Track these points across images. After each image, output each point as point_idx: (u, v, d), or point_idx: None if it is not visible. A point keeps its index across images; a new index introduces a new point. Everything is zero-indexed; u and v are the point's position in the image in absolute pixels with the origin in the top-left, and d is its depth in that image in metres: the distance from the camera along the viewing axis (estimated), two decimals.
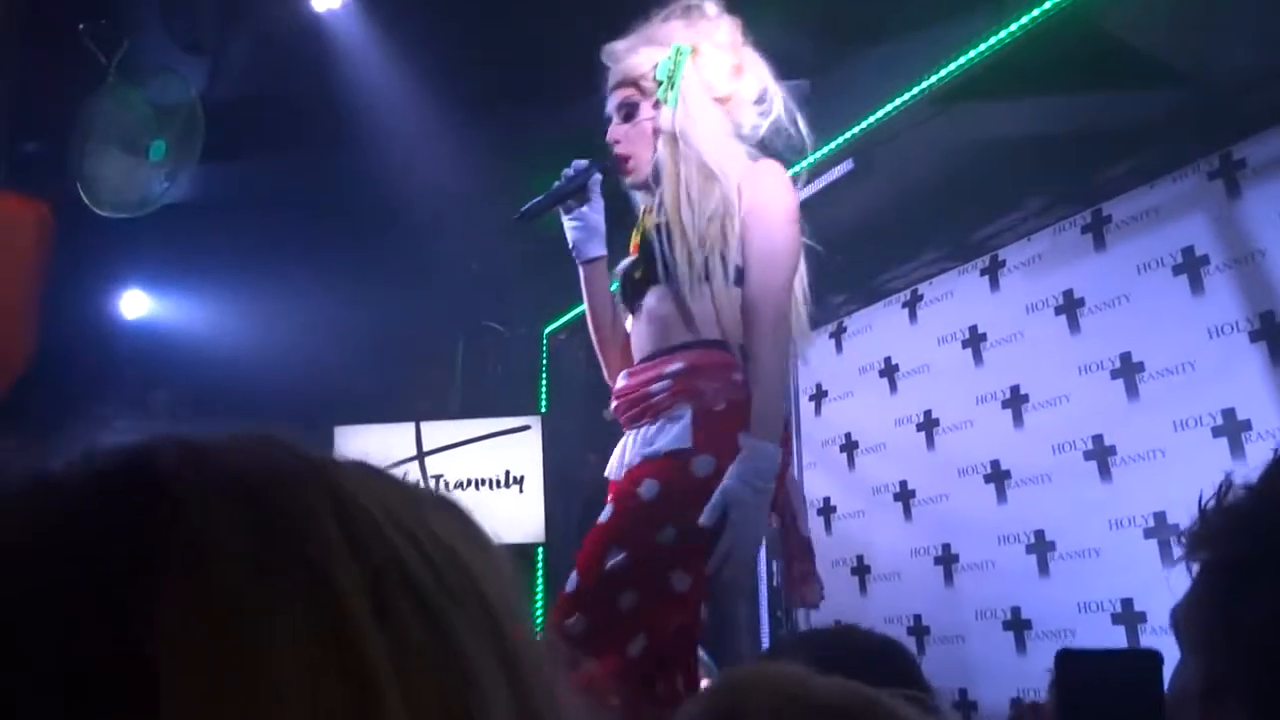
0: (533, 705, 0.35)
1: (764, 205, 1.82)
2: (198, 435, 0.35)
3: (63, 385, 4.05)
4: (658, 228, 1.87)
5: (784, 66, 3.23)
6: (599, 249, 1.98)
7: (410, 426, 4.75)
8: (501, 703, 0.33)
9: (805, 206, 3.44)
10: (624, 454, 1.87)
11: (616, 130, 1.93)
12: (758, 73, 1.96)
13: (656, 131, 1.89)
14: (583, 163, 1.93)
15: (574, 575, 1.72)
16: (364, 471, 0.37)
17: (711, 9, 1.93)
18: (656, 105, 1.90)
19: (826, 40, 3.18)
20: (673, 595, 1.69)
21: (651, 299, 1.88)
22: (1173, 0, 2.47)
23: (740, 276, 1.82)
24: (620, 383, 1.90)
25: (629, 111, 1.92)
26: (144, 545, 0.30)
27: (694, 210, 1.81)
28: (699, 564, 1.70)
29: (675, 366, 1.80)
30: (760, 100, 1.96)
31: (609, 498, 1.85)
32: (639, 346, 1.91)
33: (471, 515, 0.39)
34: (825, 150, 3.24)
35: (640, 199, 2.00)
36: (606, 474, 1.92)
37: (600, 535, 1.73)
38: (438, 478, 4.73)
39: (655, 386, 1.80)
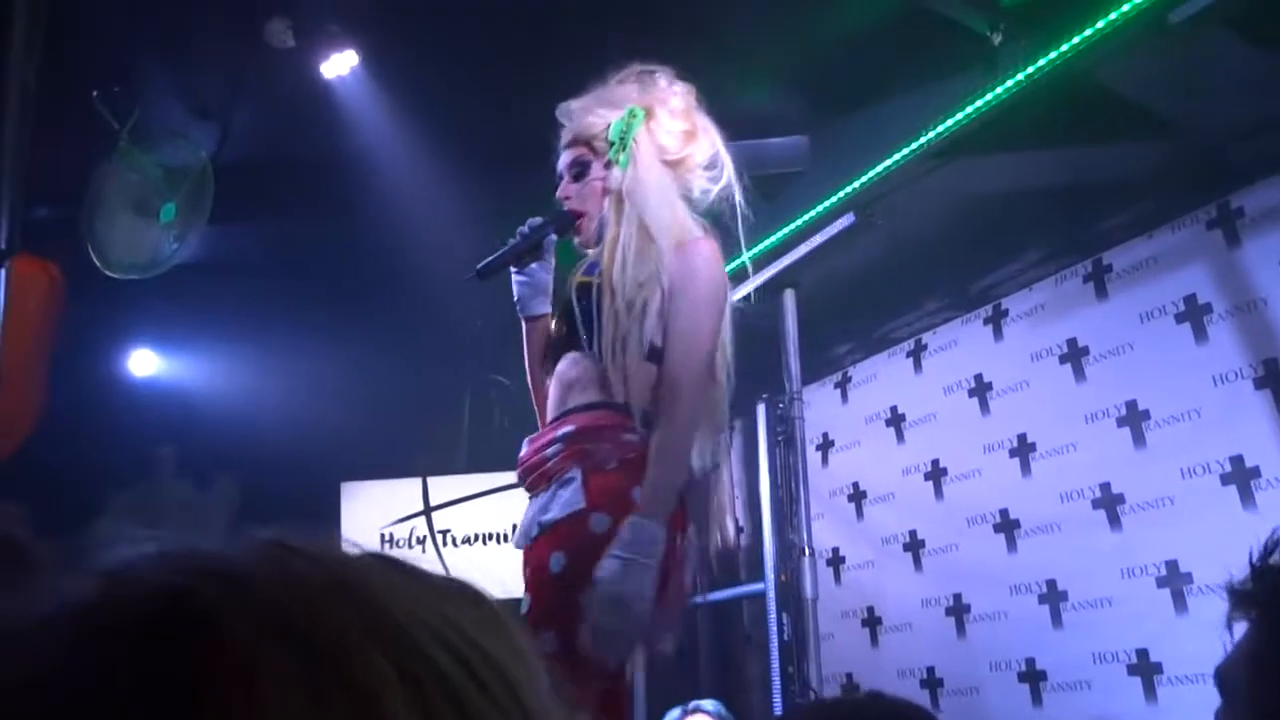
0: None
1: (689, 284, 1.79)
2: (214, 550, 0.34)
3: (73, 442, 4.07)
4: (584, 288, 1.85)
5: (785, 124, 3.30)
6: (543, 307, 1.96)
7: (417, 481, 4.74)
8: None
9: (810, 259, 3.50)
10: (520, 525, 1.84)
11: (567, 188, 1.92)
12: (710, 138, 1.96)
13: (606, 191, 1.88)
14: (537, 220, 1.92)
15: None
16: (388, 572, 0.37)
17: (664, 80, 1.94)
18: (608, 165, 1.89)
19: (825, 98, 3.24)
20: (609, 669, 1.66)
21: (564, 363, 1.86)
22: (1164, 55, 2.52)
23: (654, 353, 1.79)
24: (523, 449, 1.87)
25: (580, 170, 1.91)
26: (192, 681, 0.29)
27: (627, 274, 1.79)
28: None
29: (566, 430, 1.78)
30: (711, 166, 1.97)
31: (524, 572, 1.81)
32: (550, 411, 1.88)
33: (497, 605, 0.38)
34: (827, 204, 3.28)
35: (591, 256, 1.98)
36: (515, 545, 1.88)
37: (529, 627, 1.65)
38: (444, 532, 4.72)
39: (549, 451, 1.78)
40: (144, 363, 4.76)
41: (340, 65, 3.14)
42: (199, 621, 0.30)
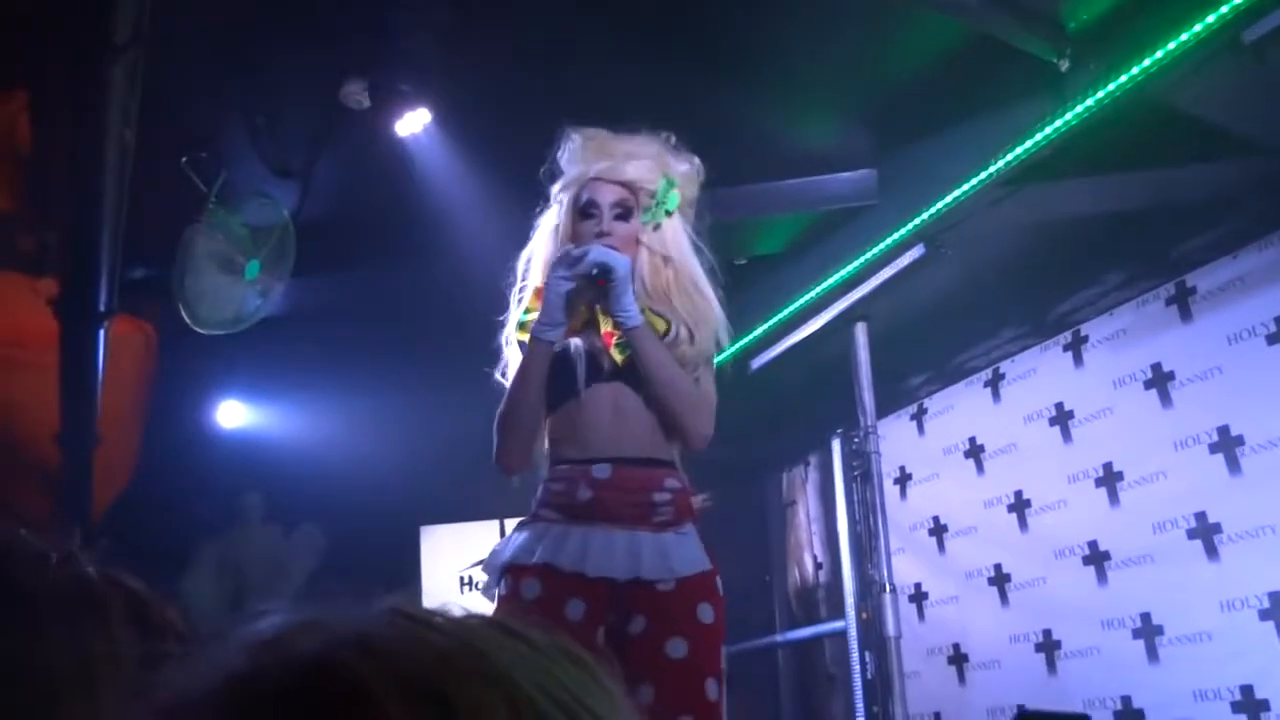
0: None
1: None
2: (345, 618, 0.37)
3: (166, 492, 4.23)
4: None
5: (852, 159, 3.30)
6: (554, 334, 2.00)
7: (494, 524, 4.81)
8: None
9: (882, 291, 3.47)
10: (590, 551, 1.79)
11: (612, 225, 1.94)
12: (693, 213, 2.07)
13: (637, 242, 1.95)
14: (600, 258, 1.91)
15: None
16: (502, 637, 0.39)
17: (686, 153, 2.03)
18: (645, 220, 1.96)
19: (892, 131, 3.24)
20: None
21: (631, 397, 1.89)
22: (1239, 74, 2.46)
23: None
24: (605, 473, 1.84)
25: (624, 213, 1.95)
26: None
27: (696, 340, 1.91)
28: None
29: (675, 484, 1.88)
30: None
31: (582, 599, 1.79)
32: (610, 437, 1.87)
33: (594, 664, 0.41)
34: (897, 236, 3.27)
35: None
36: (565, 565, 1.79)
37: (693, 671, 1.74)
38: None
39: (659, 497, 1.84)
40: (232, 414, 4.93)
41: (414, 123, 3.24)
42: (346, 689, 0.33)
